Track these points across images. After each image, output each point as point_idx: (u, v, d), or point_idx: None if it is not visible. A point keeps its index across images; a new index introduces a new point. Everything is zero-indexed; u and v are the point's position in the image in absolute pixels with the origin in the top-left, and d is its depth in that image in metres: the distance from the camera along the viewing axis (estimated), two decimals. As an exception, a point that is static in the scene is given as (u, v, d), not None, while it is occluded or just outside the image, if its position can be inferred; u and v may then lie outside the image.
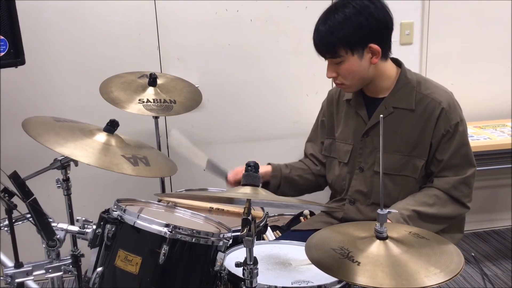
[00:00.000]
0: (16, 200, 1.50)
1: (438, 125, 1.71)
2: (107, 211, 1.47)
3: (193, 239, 1.40)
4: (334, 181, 1.92)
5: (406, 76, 1.76)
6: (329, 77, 1.75)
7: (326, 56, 1.71)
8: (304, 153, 2.07)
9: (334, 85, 1.84)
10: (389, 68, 1.76)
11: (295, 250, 1.62)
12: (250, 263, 1.25)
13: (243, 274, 1.26)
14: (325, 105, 1.99)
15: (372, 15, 1.63)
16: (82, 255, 1.67)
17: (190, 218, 1.65)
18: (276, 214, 2.65)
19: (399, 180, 1.76)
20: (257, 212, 1.93)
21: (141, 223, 1.40)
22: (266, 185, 1.91)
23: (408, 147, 1.74)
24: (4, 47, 1.92)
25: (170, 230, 1.37)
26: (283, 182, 1.94)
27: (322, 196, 2.07)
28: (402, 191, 1.77)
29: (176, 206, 1.74)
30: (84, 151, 1.58)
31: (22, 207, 1.52)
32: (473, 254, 2.93)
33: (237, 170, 1.89)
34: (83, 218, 1.52)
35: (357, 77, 1.71)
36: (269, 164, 1.96)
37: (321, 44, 1.68)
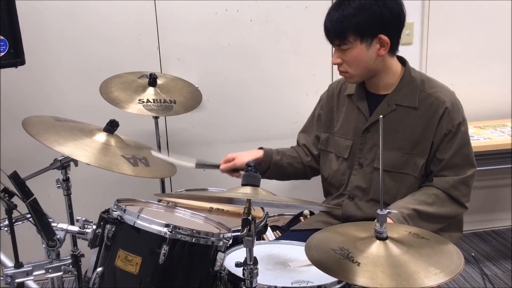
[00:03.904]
0: (16, 200, 1.50)
1: (440, 124, 1.71)
2: (107, 211, 1.47)
3: (193, 239, 1.40)
4: (331, 176, 1.92)
5: (411, 74, 1.77)
6: (334, 63, 1.75)
7: (334, 41, 1.70)
8: (296, 142, 2.08)
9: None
10: (395, 65, 1.77)
11: (295, 250, 1.62)
12: (250, 263, 1.25)
13: (243, 274, 1.26)
14: (324, 99, 1.99)
15: (386, 6, 1.64)
16: (82, 255, 1.67)
17: (190, 218, 1.65)
18: (276, 214, 2.64)
19: (398, 177, 1.76)
20: (257, 212, 1.93)
21: (141, 223, 1.40)
22: None
23: (409, 145, 1.74)
24: (4, 47, 1.92)
25: (170, 230, 1.37)
26: (271, 167, 1.96)
27: (321, 195, 2.07)
28: (402, 188, 1.77)
29: (176, 206, 1.74)
30: (84, 150, 1.58)
31: (22, 207, 1.52)
32: (473, 254, 2.93)
33: (228, 157, 1.92)
34: (83, 218, 1.52)
35: (362, 66, 1.71)
36: (261, 148, 1.98)
37: (332, 29, 1.68)
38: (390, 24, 1.67)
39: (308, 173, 2.04)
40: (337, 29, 1.67)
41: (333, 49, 1.75)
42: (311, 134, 2.02)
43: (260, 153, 1.95)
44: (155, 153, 1.82)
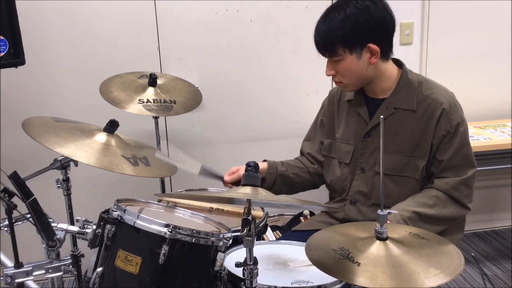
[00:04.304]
0: (16, 200, 1.50)
1: (439, 126, 1.71)
2: (107, 211, 1.47)
3: (193, 239, 1.40)
4: (334, 182, 1.91)
5: (408, 77, 1.77)
6: (328, 75, 1.75)
7: (325, 54, 1.72)
8: (300, 152, 2.07)
9: (334, 85, 1.84)
10: (390, 69, 1.76)
11: (295, 251, 1.62)
12: (250, 263, 1.24)
13: (243, 274, 1.26)
14: (325, 105, 1.99)
15: (371, 16, 1.64)
16: (82, 255, 1.67)
17: (190, 218, 1.65)
18: (276, 214, 2.64)
19: (400, 180, 1.76)
20: (257, 212, 1.93)
21: (141, 223, 1.40)
22: (261, 182, 1.90)
23: (409, 147, 1.74)
24: (4, 47, 1.92)
25: (170, 230, 1.37)
26: (278, 180, 1.94)
27: (322, 196, 2.06)
28: (403, 191, 1.77)
29: (176, 206, 1.74)
30: (84, 151, 1.58)
31: (22, 207, 1.52)
32: (473, 254, 2.93)
33: (233, 170, 1.89)
34: (83, 218, 1.52)
35: (355, 76, 1.71)
36: (265, 161, 1.97)
37: (321, 42, 1.69)
38: (377, 32, 1.66)
39: (316, 181, 2.02)
40: (325, 42, 1.68)
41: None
42: (315, 141, 2.01)
43: (264, 165, 1.93)
44: (159, 155, 1.78)
